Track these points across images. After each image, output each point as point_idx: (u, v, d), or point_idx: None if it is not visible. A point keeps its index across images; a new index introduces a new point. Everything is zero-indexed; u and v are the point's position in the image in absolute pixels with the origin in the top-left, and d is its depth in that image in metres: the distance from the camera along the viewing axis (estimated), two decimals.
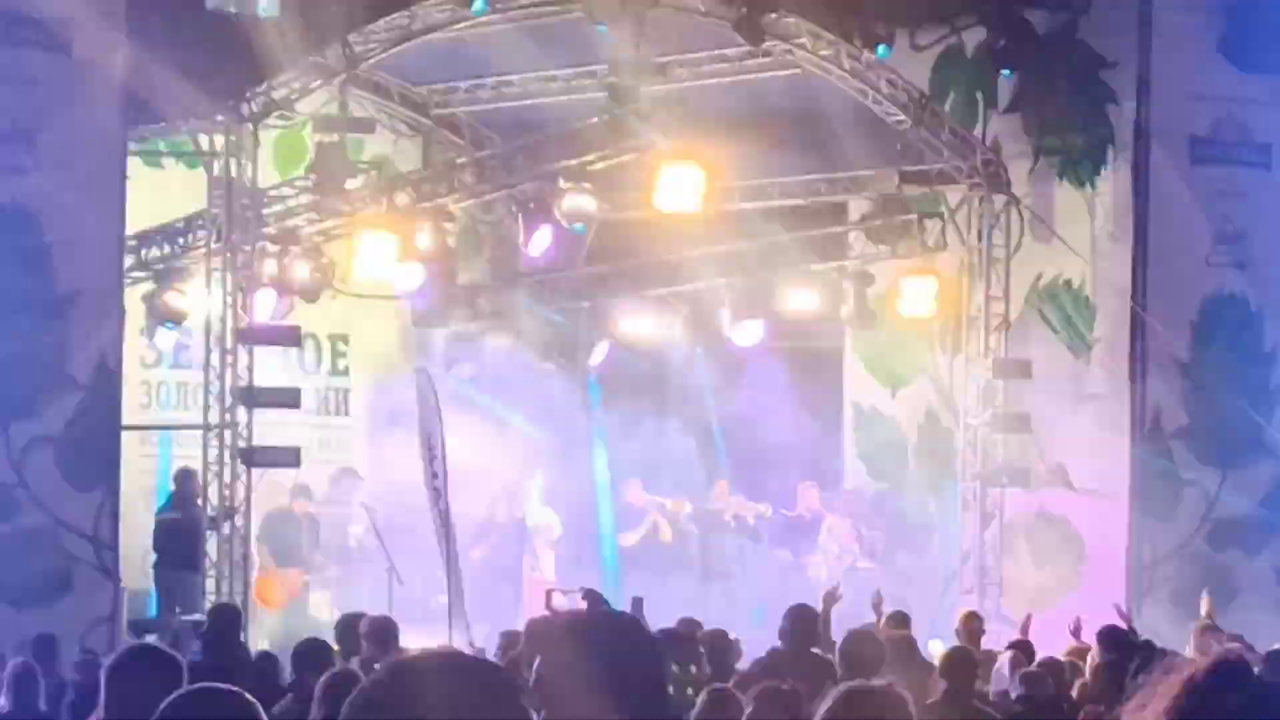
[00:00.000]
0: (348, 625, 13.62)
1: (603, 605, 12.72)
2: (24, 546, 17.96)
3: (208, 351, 19.73)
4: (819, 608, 13.43)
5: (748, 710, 9.10)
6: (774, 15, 20.21)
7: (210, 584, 19.42)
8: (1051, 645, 14.96)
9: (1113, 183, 21.45)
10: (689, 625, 14.11)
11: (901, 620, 15.06)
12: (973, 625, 16.05)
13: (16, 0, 18.11)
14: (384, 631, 12.91)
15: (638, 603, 14.49)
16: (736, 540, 23.14)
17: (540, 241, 21.12)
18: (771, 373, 23.15)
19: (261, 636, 19.12)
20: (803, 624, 12.43)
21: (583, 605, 13.62)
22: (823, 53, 20.85)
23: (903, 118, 21.36)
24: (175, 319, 20.35)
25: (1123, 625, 14.87)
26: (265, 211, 20.32)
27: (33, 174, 18.17)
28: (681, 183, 19.98)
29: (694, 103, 20.53)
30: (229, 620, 15.32)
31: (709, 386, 23.38)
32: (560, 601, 16.16)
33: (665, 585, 20.16)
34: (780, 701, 9.27)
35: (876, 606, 15.33)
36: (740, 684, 10.67)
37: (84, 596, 18.20)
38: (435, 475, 18.21)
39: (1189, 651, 13.92)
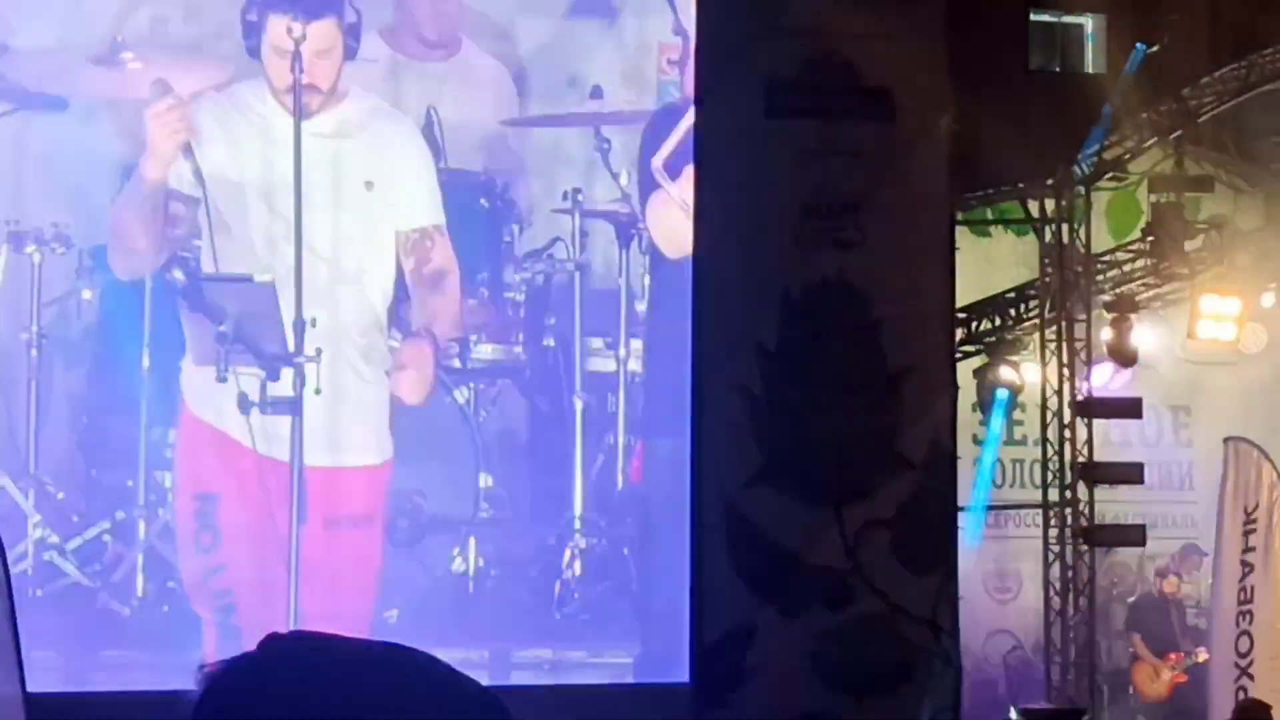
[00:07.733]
0: None
1: None
2: (862, 635, 17.60)
3: (1044, 426, 18.95)
4: None
5: None
6: None
7: (1055, 672, 18.61)
8: None
9: None
10: None
11: None
12: None
13: (843, 72, 17.88)
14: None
15: None
16: None
17: None
18: None
19: None
20: None
21: None
22: None
23: None
24: (1009, 393, 19.63)
25: None
26: (1099, 278, 19.49)
27: (860, 248, 17.55)
28: None
29: None
30: None
31: None
32: None
33: None
34: None
35: None
36: None
37: (923, 685, 17.74)
38: (1250, 548, 16.86)
39: None
